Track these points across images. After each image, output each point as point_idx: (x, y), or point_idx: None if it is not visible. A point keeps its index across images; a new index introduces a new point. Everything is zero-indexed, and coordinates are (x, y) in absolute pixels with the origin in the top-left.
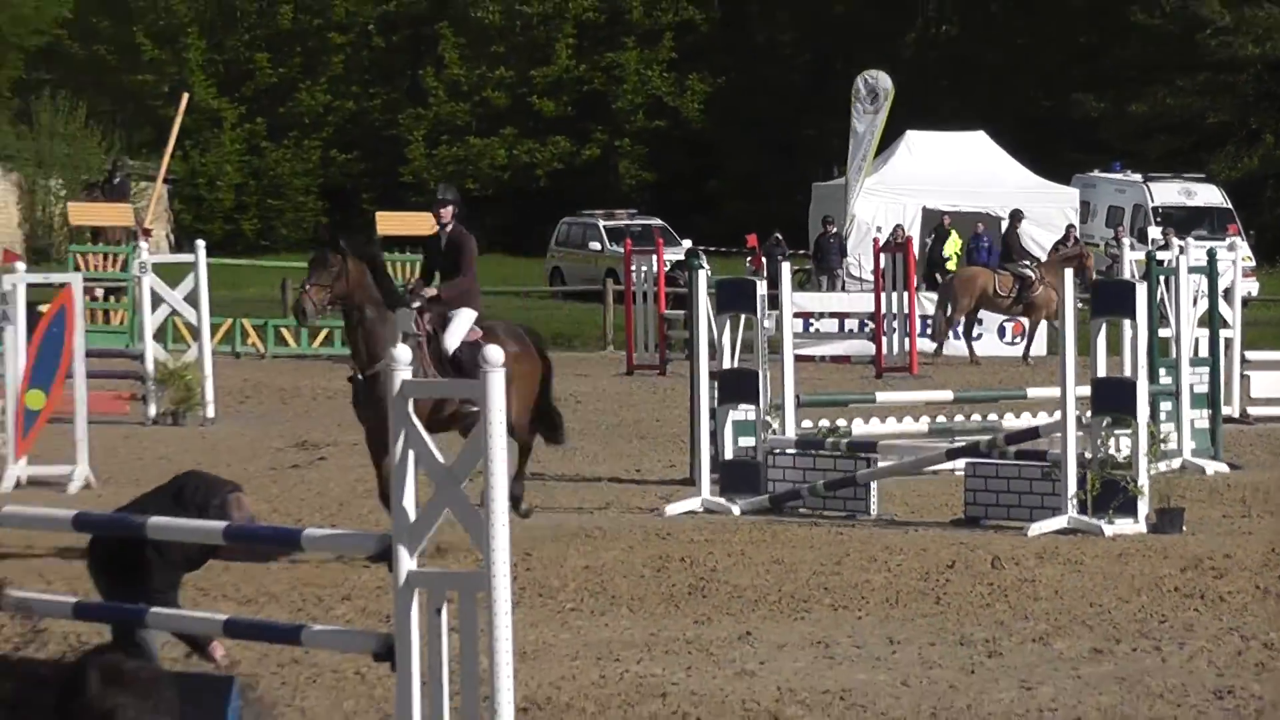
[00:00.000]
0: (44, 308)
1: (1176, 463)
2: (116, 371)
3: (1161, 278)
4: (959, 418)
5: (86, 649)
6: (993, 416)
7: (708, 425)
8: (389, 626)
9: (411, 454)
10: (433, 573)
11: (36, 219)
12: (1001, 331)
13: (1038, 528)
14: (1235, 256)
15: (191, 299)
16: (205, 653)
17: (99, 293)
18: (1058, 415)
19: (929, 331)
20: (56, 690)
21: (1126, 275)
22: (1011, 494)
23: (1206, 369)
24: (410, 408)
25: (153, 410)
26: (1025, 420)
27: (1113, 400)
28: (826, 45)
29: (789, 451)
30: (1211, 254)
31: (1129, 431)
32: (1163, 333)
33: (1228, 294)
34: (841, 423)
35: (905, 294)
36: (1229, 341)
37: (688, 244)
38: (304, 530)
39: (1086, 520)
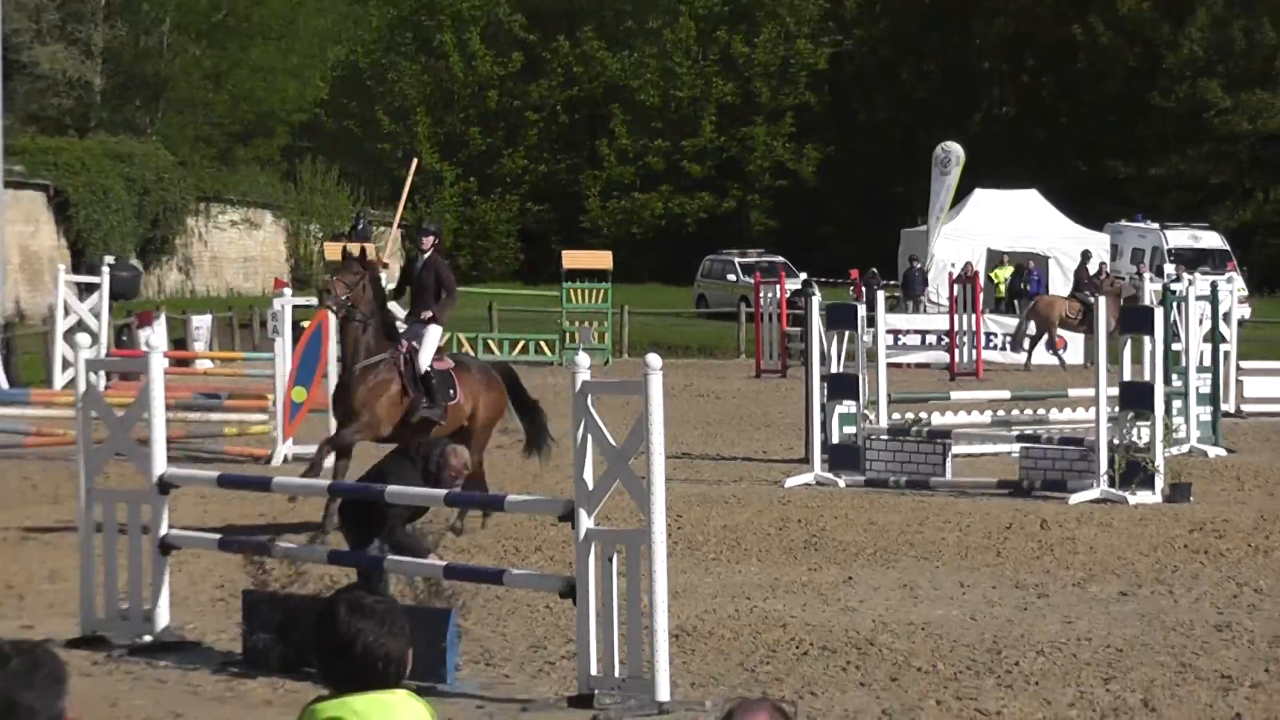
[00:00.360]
0: (305, 324)
1: (1185, 448)
2: None
3: (1174, 304)
4: (1015, 412)
5: (338, 587)
6: (1041, 411)
7: (819, 417)
8: (571, 571)
9: (590, 438)
10: (606, 530)
11: (299, 255)
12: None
13: (1077, 497)
14: (1232, 288)
15: None
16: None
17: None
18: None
19: (992, 344)
20: (313, 619)
21: (1147, 302)
22: (1056, 471)
23: (1209, 375)
24: (589, 403)
25: None
26: (1068, 415)
27: (1136, 399)
28: (912, 122)
29: (882, 437)
30: (1214, 286)
31: (1148, 423)
32: (1175, 346)
33: (1226, 317)
34: (923, 415)
35: (973, 315)
36: (1227, 353)
37: (803, 276)
38: (506, 496)
39: (1115, 492)
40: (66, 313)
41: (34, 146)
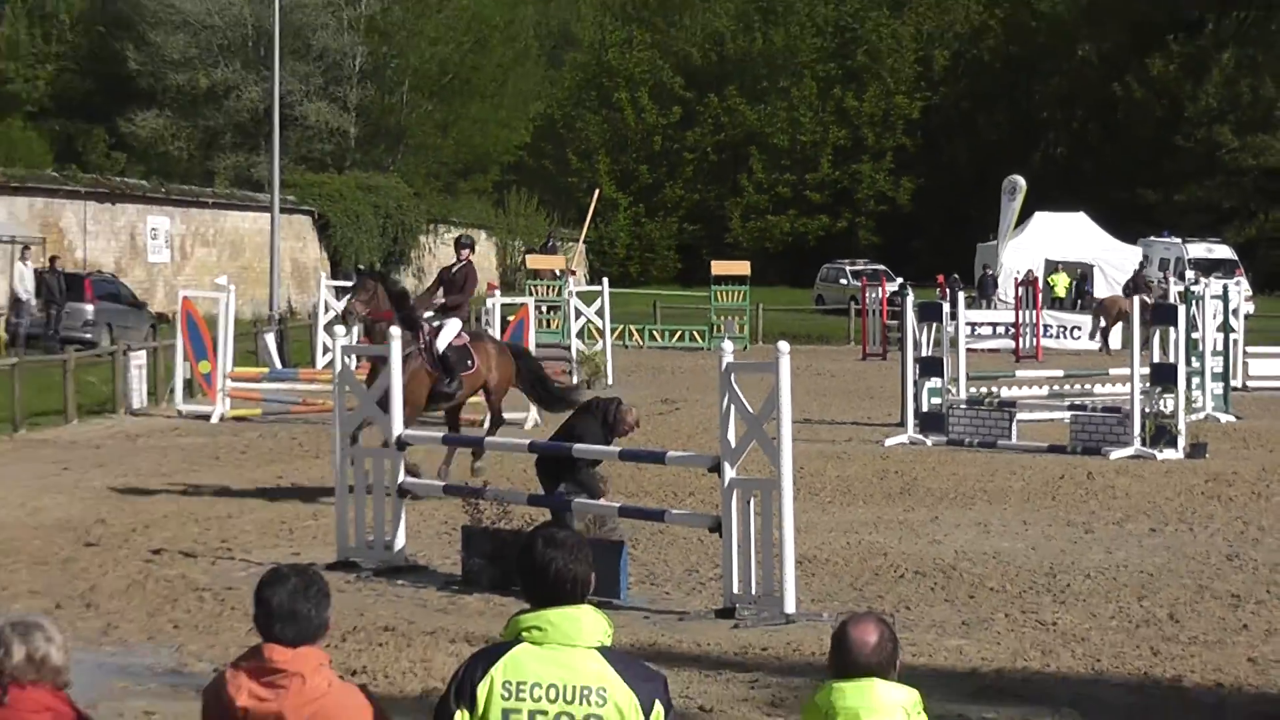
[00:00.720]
0: (510, 317)
1: (1202, 415)
2: (554, 356)
3: (1193, 302)
4: (1067, 386)
5: (536, 524)
6: (1087, 386)
7: (911, 390)
8: (718, 511)
9: (733, 407)
10: (745, 479)
11: (506, 264)
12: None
13: (1115, 454)
14: (1239, 290)
15: (599, 313)
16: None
17: (543, 309)
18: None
19: (1049, 333)
20: (518, 549)
21: (1172, 301)
22: (1100, 432)
23: (1221, 358)
24: (733, 380)
25: (575, 379)
26: (1109, 389)
27: (1163, 376)
28: (985, 159)
29: (961, 406)
30: (1225, 288)
31: (1173, 395)
32: (1194, 335)
33: (1235, 312)
34: (993, 389)
35: (1033, 310)
36: (1235, 341)
37: (900, 280)
38: (667, 452)
39: (1146, 450)
40: (326, 309)
41: (303, 181)
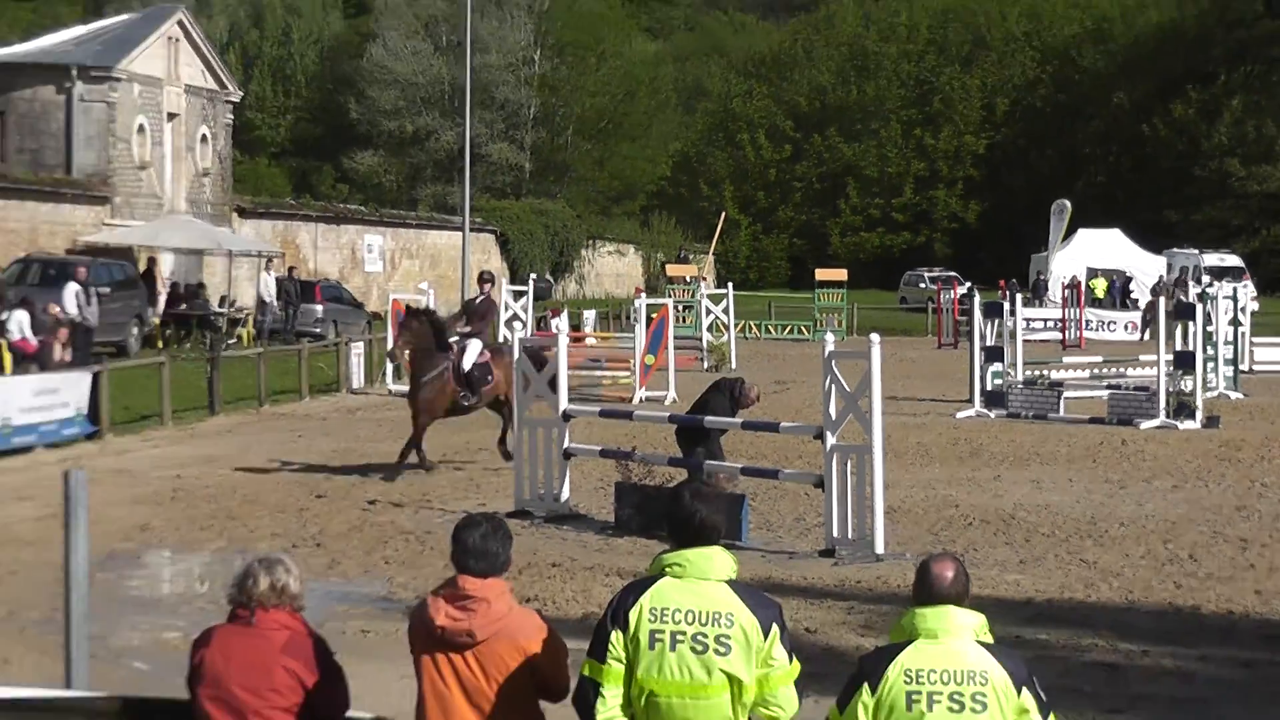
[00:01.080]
0: (654, 315)
1: (1215, 393)
2: (688, 345)
3: (1208, 301)
4: (1105, 369)
5: (679, 480)
6: (1122, 369)
7: (978, 373)
8: (821, 471)
9: (834, 387)
10: (844, 445)
11: (650, 272)
12: (1128, 327)
13: (1145, 425)
14: (1247, 291)
15: (725, 311)
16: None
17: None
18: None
19: (1090, 326)
20: (661, 501)
21: (1191, 300)
22: (1132, 406)
23: (1231, 346)
24: (834, 365)
25: (705, 365)
26: (1140, 372)
27: (1184, 362)
28: (1038, 186)
29: (1019, 386)
30: (1234, 290)
31: (1192, 377)
32: (1209, 328)
33: (1243, 310)
34: (1045, 372)
35: (1077, 309)
36: (1243, 333)
37: (968, 285)
38: (780, 423)
39: (1170, 421)
40: (506, 309)
41: (488, 206)
